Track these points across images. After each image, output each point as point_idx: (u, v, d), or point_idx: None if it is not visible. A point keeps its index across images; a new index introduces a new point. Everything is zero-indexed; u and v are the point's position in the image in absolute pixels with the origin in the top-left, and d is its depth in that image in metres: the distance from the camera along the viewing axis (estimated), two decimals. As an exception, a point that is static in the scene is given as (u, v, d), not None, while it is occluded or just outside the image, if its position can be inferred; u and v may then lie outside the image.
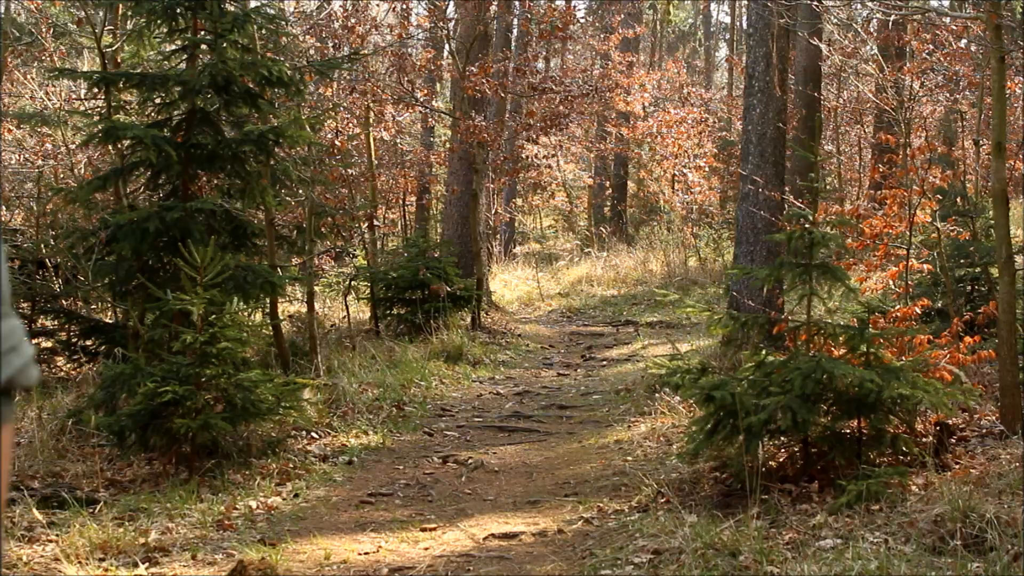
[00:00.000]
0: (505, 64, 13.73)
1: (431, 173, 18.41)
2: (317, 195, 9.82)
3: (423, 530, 4.90)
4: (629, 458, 6.14)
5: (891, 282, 8.51)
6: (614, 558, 4.18)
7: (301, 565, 4.36)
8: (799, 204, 7.24)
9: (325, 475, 5.95)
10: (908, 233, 6.84)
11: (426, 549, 4.60)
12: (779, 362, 5.03)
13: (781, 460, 5.18)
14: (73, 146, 9.63)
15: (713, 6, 32.32)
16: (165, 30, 7.04)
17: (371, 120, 12.50)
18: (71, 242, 7.16)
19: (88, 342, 8.16)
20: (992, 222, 6.23)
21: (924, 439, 5.11)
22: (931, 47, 12.03)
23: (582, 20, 22.44)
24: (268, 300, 7.81)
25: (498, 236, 18.40)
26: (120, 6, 8.20)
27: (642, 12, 25.20)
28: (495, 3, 13.55)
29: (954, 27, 10.72)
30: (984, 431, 5.40)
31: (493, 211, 17.61)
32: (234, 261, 6.40)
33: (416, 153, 18.45)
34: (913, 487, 4.47)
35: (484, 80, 12.41)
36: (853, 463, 4.76)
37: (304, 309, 10.42)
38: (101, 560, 4.26)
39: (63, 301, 8.90)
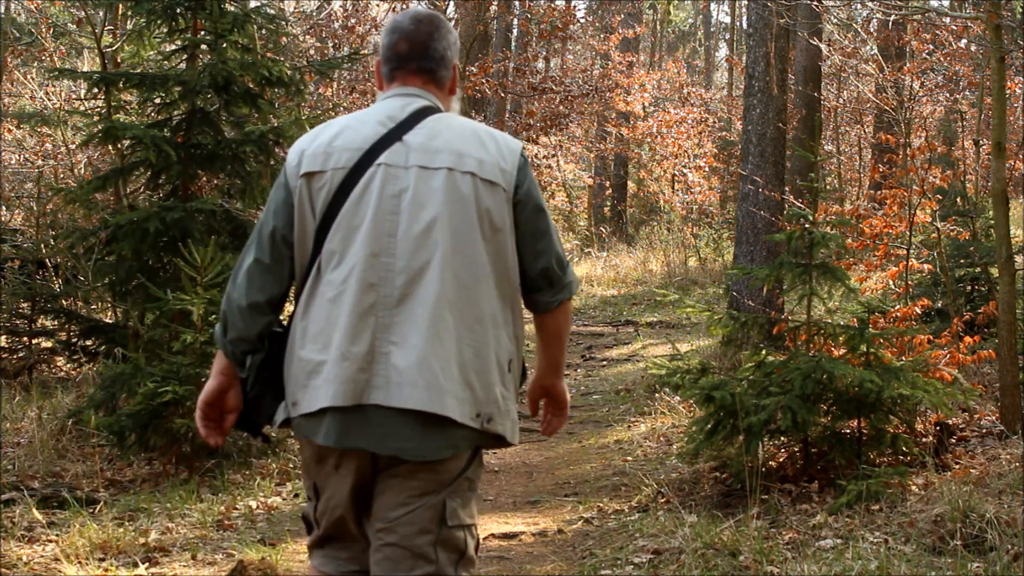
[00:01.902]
0: (505, 64, 13.75)
1: (431, 173, 18.41)
2: (317, 195, 9.81)
3: (423, 530, 4.89)
4: (629, 458, 6.15)
5: (891, 282, 8.52)
6: (614, 558, 4.18)
7: (301, 565, 4.36)
8: (799, 204, 7.24)
9: (325, 475, 5.95)
10: (908, 233, 6.84)
11: (426, 549, 4.60)
12: (779, 362, 5.03)
13: (781, 460, 5.18)
14: (73, 146, 9.63)
15: (713, 6, 32.33)
16: (165, 30, 7.04)
17: (371, 120, 12.49)
18: (71, 242, 7.15)
19: (88, 342, 8.15)
20: (992, 222, 6.23)
21: (924, 439, 5.11)
22: (931, 47, 12.05)
23: (582, 20, 22.43)
24: (268, 300, 7.79)
25: (498, 236, 18.38)
26: (120, 6, 8.20)
27: (642, 12, 25.20)
28: (495, 3, 13.56)
29: (954, 27, 10.73)
30: (984, 431, 5.40)
31: (493, 211, 17.59)
32: (234, 261, 6.38)
33: (416, 153, 18.45)
34: (913, 487, 4.47)
35: (484, 80, 12.42)
36: (853, 463, 4.76)
37: (304, 309, 10.42)
38: (101, 560, 4.26)
39: (63, 301, 8.89)
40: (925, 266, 7.23)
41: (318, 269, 2.35)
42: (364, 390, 2.26)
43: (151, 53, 7.51)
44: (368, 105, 12.10)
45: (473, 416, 2.29)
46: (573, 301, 2.57)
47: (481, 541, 4.64)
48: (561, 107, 14.06)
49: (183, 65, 7.08)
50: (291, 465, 6.01)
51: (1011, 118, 11.67)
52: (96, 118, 7.19)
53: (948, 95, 13.57)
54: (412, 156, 2.33)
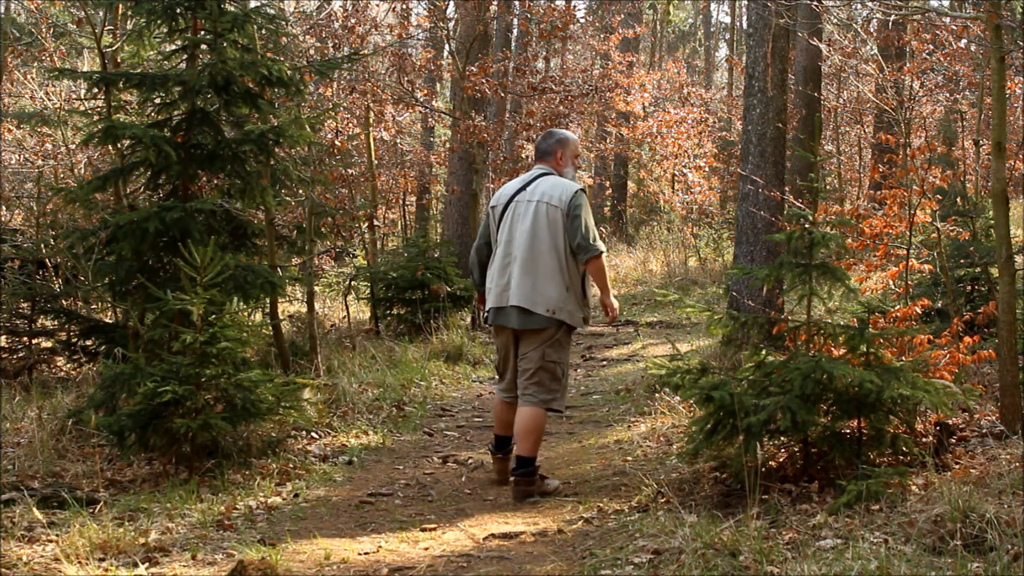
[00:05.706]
0: (505, 64, 13.75)
1: (431, 173, 18.41)
2: (317, 195, 9.82)
3: (423, 530, 4.90)
4: (629, 458, 6.15)
5: (891, 282, 8.51)
6: (614, 558, 4.18)
7: (301, 565, 4.36)
8: (799, 204, 7.24)
9: (325, 475, 5.95)
10: (908, 233, 6.83)
11: (426, 549, 4.60)
12: (779, 362, 5.02)
13: (781, 460, 5.17)
14: (73, 146, 9.63)
15: (713, 6, 32.33)
16: (165, 30, 7.03)
17: (371, 120, 12.49)
18: (71, 242, 7.15)
19: (88, 342, 8.16)
20: (992, 222, 6.23)
21: (924, 439, 5.11)
22: (931, 47, 12.04)
23: (582, 20, 22.42)
24: (268, 300, 7.80)
25: (498, 236, 18.35)
26: (120, 6, 8.20)
27: (642, 12, 25.20)
28: (495, 3, 13.56)
29: (954, 27, 10.72)
30: (984, 431, 5.40)
31: (493, 211, 17.56)
32: (234, 261, 6.39)
33: (416, 153, 18.45)
34: (913, 487, 4.47)
35: (484, 80, 12.42)
36: (853, 463, 4.76)
37: (304, 309, 10.42)
38: (101, 560, 4.26)
39: (63, 301, 8.90)
40: (925, 266, 7.22)
41: (494, 250, 5.53)
42: (505, 299, 5.40)
43: (151, 53, 7.51)
44: (367, 105, 12.19)
45: (547, 310, 5.32)
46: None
47: (482, 540, 4.67)
48: (561, 107, 14.05)
49: (183, 65, 7.08)
50: (291, 465, 6.01)
51: (1011, 118, 11.66)
52: (96, 118, 7.18)
53: (948, 95, 13.57)
54: (527, 196, 5.45)
